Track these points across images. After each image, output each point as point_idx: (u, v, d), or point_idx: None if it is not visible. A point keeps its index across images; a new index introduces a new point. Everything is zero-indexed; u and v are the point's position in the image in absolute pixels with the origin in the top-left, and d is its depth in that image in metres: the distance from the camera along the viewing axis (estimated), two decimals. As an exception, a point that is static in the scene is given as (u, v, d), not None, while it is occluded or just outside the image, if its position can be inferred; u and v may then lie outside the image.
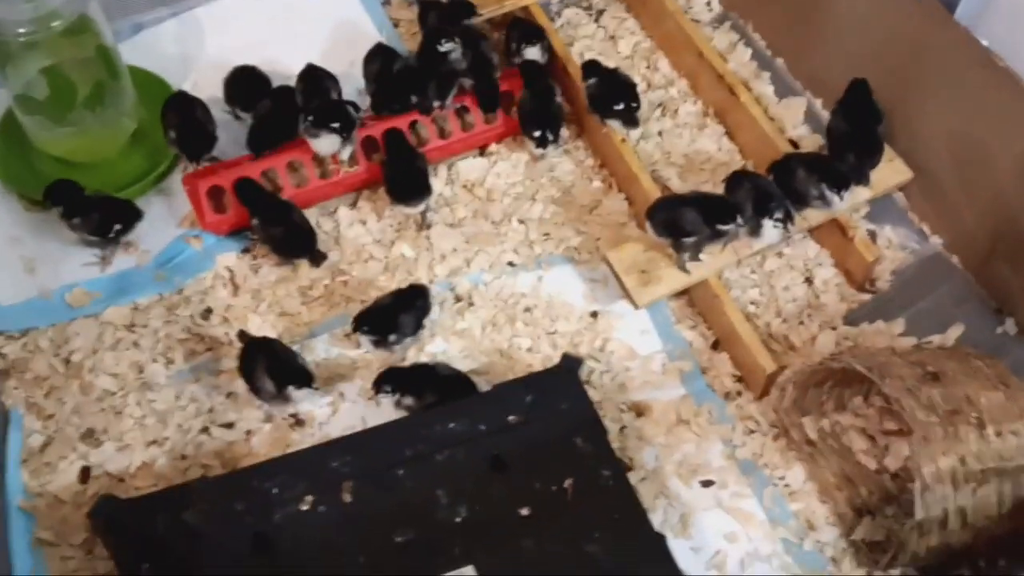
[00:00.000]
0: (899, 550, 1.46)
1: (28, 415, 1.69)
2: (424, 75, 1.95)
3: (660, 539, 1.48)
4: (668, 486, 1.62)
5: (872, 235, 1.87)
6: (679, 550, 1.51)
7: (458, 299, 1.83)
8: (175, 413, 1.70)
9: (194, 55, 2.16)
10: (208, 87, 2.03)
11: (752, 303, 1.82)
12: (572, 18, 2.24)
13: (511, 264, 1.88)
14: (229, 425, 1.69)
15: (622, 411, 1.70)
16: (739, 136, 2.02)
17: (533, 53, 2.01)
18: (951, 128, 1.80)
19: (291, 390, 1.63)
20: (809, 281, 1.85)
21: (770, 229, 1.74)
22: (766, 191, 1.76)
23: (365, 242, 1.90)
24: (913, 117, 1.85)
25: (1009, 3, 1.84)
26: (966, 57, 1.75)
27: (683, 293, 1.83)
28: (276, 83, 2.01)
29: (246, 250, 1.90)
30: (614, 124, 1.93)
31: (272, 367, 1.64)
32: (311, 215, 1.91)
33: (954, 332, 1.71)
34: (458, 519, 1.47)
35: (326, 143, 1.86)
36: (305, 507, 1.48)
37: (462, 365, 1.72)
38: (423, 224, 1.91)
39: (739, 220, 1.72)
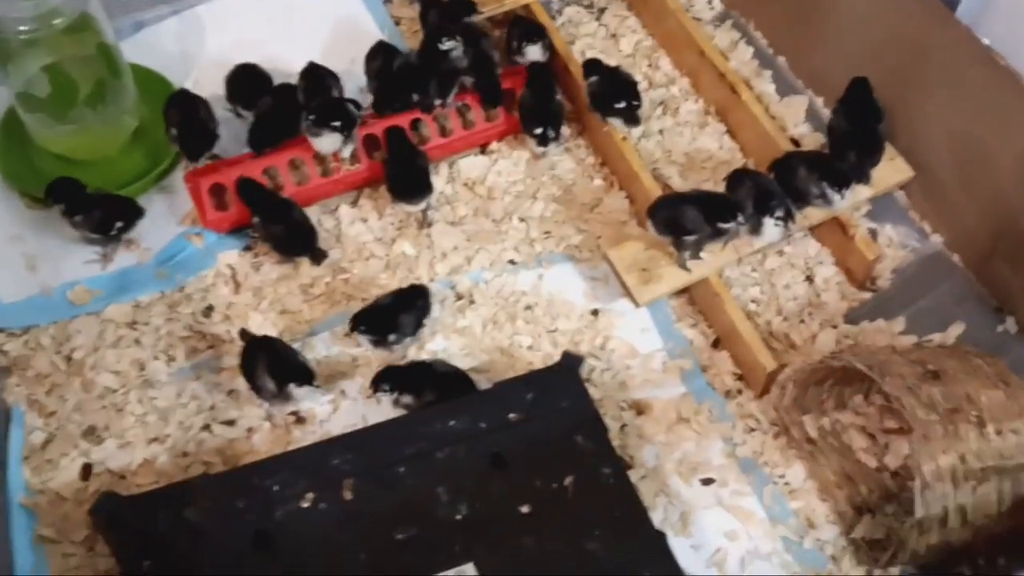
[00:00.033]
0: (899, 548, 1.46)
1: (30, 412, 1.70)
2: (425, 73, 1.95)
3: (660, 537, 1.48)
4: (668, 484, 1.62)
5: (873, 233, 1.87)
6: (679, 548, 1.51)
7: (459, 297, 1.83)
8: (176, 410, 1.70)
9: (195, 53, 2.16)
10: (209, 85, 2.03)
11: (753, 301, 1.82)
12: (573, 16, 2.24)
13: (512, 262, 1.88)
14: (230, 422, 1.69)
15: (622, 409, 1.70)
16: (740, 134, 2.02)
17: (534, 51, 2.01)
18: (952, 127, 1.80)
19: (292, 388, 1.63)
20: (810, 279, 1.85)
21: (771, 227, 1.75)
22: (767, 189, 1.76)
23: (366, 240, 1.90)
24: (914, 116, 1.85)
25: (1010, 2, 1.84)
26: (967, 56, 1.75)
27: (684, 291, 1.83)
28: (277, 81, 2.01)
29: (247, 248, 1.90)
30: (615, 122, 1.93)
31: (273, 366, 1.64)
32: (312, 213, 1.91)
33: (954, 330, 1.71)
34: (459, 517, 1.48)
35: (327, 142, 1.86)
36: (306, 504, 1.48)
37: (463, 363, 1.72)
38: (424, 222, 1.91)
39: (740, 218, 1.72)
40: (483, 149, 2.03)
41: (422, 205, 1.89)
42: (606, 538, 1.46)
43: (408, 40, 2.18)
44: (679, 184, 1.95)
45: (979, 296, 1.77)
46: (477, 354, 1.76)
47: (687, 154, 2.01)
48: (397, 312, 1.72)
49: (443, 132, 1.99)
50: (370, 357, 1.74)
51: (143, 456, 1.66)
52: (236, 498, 1.48)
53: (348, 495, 1.49)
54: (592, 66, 1.96)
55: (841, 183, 1.76)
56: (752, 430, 1.69)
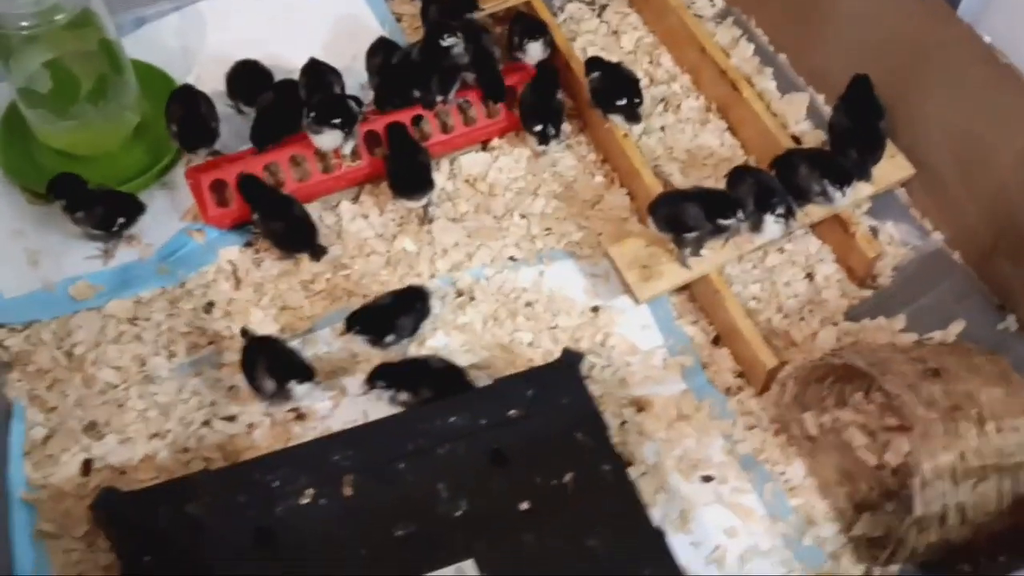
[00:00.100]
0: (898, 546, 1.46)
1: (31, 407, 1.70)
2: (427, 69, 1.95)
3: (660, 534, 1.48)
4: (668, 481, 1.62)
5: (874, 231, 1.87)
6: (679, 545, 1.52)
7: (459, 294, 1.83)
8: (177, 406, 1.70)
9: (197, 49, 2.16)
10: (211, 81, 2.03)
11: (753, 298, 1.82)
12: (575, 13, 2.23)
13: (512, 259, 1.88)
14: (231, 418, 1.69)
15: (623, 406, 1.70)
16: (741, 131, 2.02)
17: (535, 48, 2.01)
18: (953, 124, 1.80)
19: (292, 386, 1.63)
20: (810, 277, 1.85)
21: (771, 224, 1.75)
22: (768, 186, 1.76)
23: (367, 236, 1.91)
24: (915, 113, 1.85)
25: (1011, 0, 1.84)
26: (968, 54, 1.74)
27: (684, 288, 1.83)
28: (278, 77, 2.01)
29: (248, 244, 1.90)
30: (616, 119, 1.93)
31: (273, 364, 1.64)
32: (314, 209, 1.91)
33: (955, 328, 1.71)
34: (458, 513, 1.48)
35: (328, 139, 1.86)
36: (306, 500, 1.48)
37: (463, 359, 1.72)
38: (425, 218, 1.91)
39: (740, 215, 1.72)
40: (484, 146, 2.03)
41: (423, 201, 1.89)
42: (606, 535, 1.46)
43: (409, 37, 2.18)
44: (680, 181, 1.95)
45: (980, 294, 1.77)
46: (477, 351, 1.76)
47: (688, 151, 2.01)
48: (395, 314, 1.72)
49: (444, 129, 1.99)
50: (371, 353, 1.74)
51: (144, 452, 1.66)
52: (237, 494, 1.49)
53: (348, 491, 1.50)
54: (594, 62, 1.96)
55: (842, 180, 1.75)
56: (752, 427, 1.69)
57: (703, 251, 1.77)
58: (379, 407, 1.67)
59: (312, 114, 1.85)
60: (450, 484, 1.50)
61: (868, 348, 1.66)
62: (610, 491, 1.50)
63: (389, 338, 1.70)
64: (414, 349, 1.75)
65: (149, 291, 1.83)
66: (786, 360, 1.70)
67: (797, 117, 2.02)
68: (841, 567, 1.55)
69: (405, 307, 1.74)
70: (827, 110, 1.96)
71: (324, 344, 1.77)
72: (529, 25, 2.04)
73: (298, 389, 1.64)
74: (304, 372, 1.65)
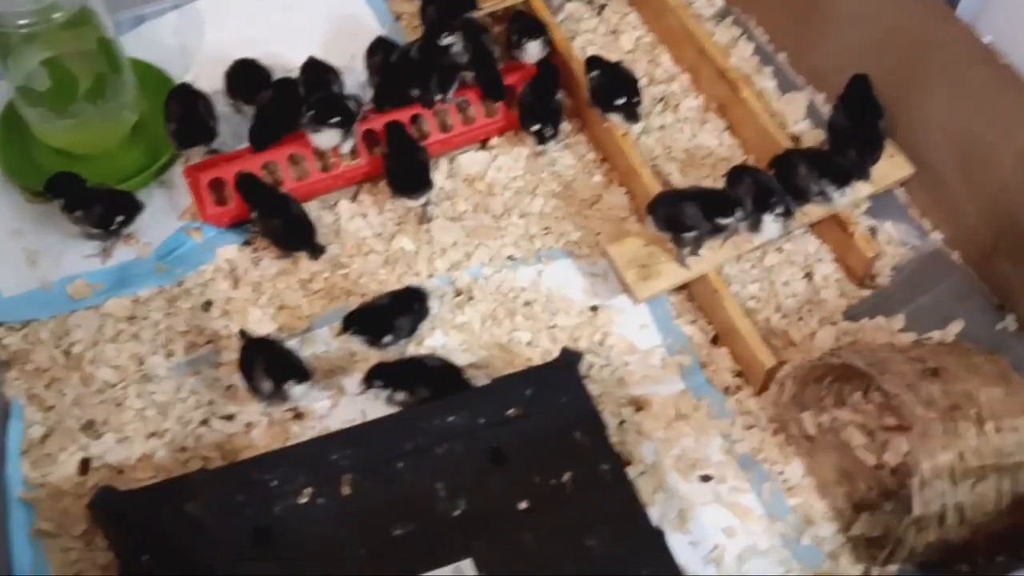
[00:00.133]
0: (897, 546, 1.46)
1: (29, 406, 1.70)
2: (426, 68, 1.95)
3: (658, 533, 1.48)
4: (667, 480, 1.62)
5: (872, 231, 1.87)
6: (677, 544, 1.52)
7: (458, 293, 1.83)
8: (175, 405, 1.70)
9: (195, 48, 2.16)
10: (209, 80, 2.03)
11: (752, 298, 1.82)
12: (574, 12, 2.23)
13: (511, 258, 1.88)
14: (229, 417, 1.69)
15: (621, 405, 1.70)
16: (740, 131, 2.02)
17: (534, 47, 2.01)
18: (952, 124, 1.79)
19: (289, 385, 1.63)
20: (809, 276, 1.85)
21: (770, 224, 1.74)
22: (767, 186, 1.76)
23: (366, 235, 1.90)
24: (914, 113, 1.85)
25: (1011, 0, 1.84)
26: (968, 53, 1.74)
27: (683, 288, 1.83)
28: (277, 76, 2.01)
29: (247, 243, 1.90)
30: (615, 118, 1.93)
31: (270, 365, 1.64)
32: (312, 208, 1.91)
33: (954, 328, 1.70)
34: (457, 512, 1.48)
35: (326, 138, 1.86)
36: (304, 500, 1.48)
37: (461, 359, 1.72)
38: (424, 217, 1.91)
39: (739, 214, 1.72)
40: (483, 145, 2.03)
41: (422, 200, 1.89)
42: (604, 534, 1.46)
43: (409, 35, 2.18)
44: (679, 180, 1.95)
45: (979, 293, 1.76)
46: (476, 350, 1.76)
47: (687, 150, 2.01)
48: (392, 314, 1.72)
49: (443, 128, 1.98)
50: (370, 353, 1.74)
51: (142, 451, 1.66)
52: (235, 493, 1.49)
53: (347, 490, 1.49)
54: (593, 61, 1.96)
55: (841, 180, 1.76)
56: (751, 427, 1.69)
57: (702, 251, 1.77)
58: (377, 406, 1.66)
59: (310, 113, 1.85)
60: (449, 483, 1.50)
61: (867, 348, 1.66)
62: (609, 490, 1.50)
63: (386, 339, 1.70)
64: (413, 349, 1.75)
65: (147, 290, 1.83)
66: (785, 360, 1.70)
67: (796, 117, 2.01)
68: (839, 567, 1.55)
69: (403, 308, 1.73)
70: (826, 110, 1.96)
71: (322, 343, 1.77)
72: (527, 24, 2.04)
73: (295, 390, 1.63)
74: (301, 373, 1.65)
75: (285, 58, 2.06)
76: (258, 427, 1.68)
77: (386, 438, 1.54)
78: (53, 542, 1.56)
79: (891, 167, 1.86)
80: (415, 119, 1.97)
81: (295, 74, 1.99)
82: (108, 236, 1.86)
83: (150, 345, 1.77)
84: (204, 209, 1.87)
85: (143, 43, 2.13)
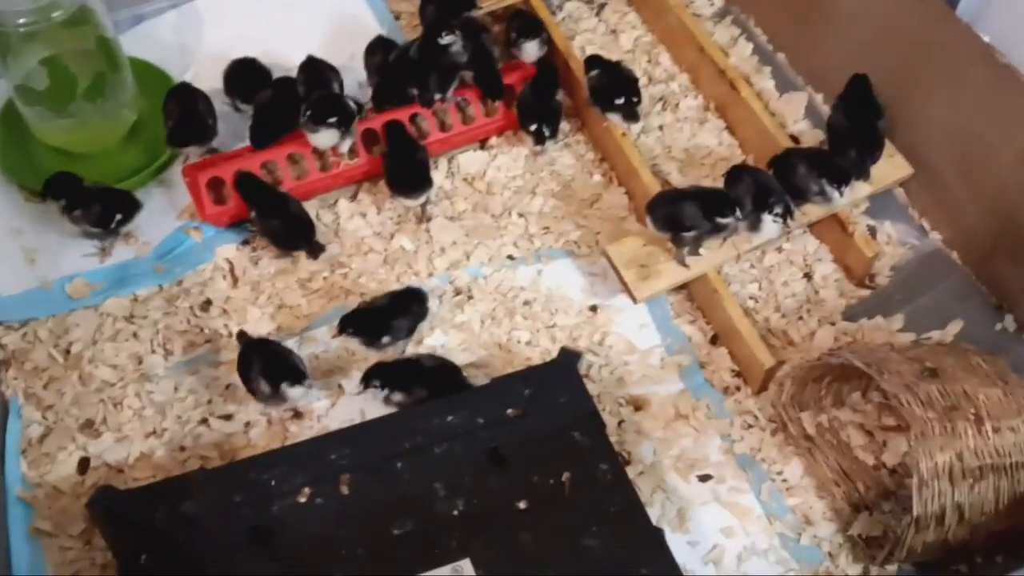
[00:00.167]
0: (896, 546, 1.46)
1: (27, 405, 1.70)
2: (425, 68, 1.95)
3: (657, 533, 1.48)
4: (666, 480, 1.62)
5: (872, 231, 1.87)
6: (676, 544, 1.51)
7: (457, 292, 1.83)
8: (174, 404, 1.70)
9: (194, 47, 2.16)
10: (208, 79, 2.03)
11: (751, 298, 1.82)
12: (573, 12, 2.23)
13: (511, 257, 1.88)
14: (228, 417, 1.69)
15: (620, 405, 1.70)
16: (740, 131, 2.02)
17: (531, 47, 2.01)
18: (952, 124, 1.79)
19: (285, 388, 1.62)
20: (808, 276, 1.85)
21: (769, 224, 1.74)
22: (766, 186, 1.76)
23: (365, 235, 1.90)
24: (914, 113, 1.85)
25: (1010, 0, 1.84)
26: (967, 53, 1.74)
27: (682, 287, 1.83)
28: (277, 75, 2.01)
29: (246, 242, 1.90)
30: (614, 118, 1.93)
31: (266, 367, 1.64)
32: (311, 207, 1.91)
33: (953, 328, 1.70)
34: (456, 512, 1.48)
35: (324, 137, 1.86)
36: (303, 499, 1.48)
37: (461, 358, 1.72)
38: (423, 217, 1.91)
39: (738, 213, 1.72)
40: (482, 144, 2.03)
41: (421, 199, 1.89)
42: (603, 534, 1.46)
43: (408, 35, 2.18)
44: (678, 180, 1.95)
45: (978, 294, 1.76)
46: (475, 349, 1.76)
47: (686, 150, 2.01)
48: (390, 315, 1.71)
49: (442, 127, 1.98)
50: (368, 353, 1.74)
51: (140, 450, 1.66)
52: (233, 492, 1.48)
53: (345, 490, 1.49)
54: (593, 61, 1.96)
55: (840, 180, 1.75)
56: (750, 427, 1.69)
57: (701, 250, 1.77)
58: (376, 406, 1.66)
59: (308, 112, 1.85)
60: (447, 483, 1.50)
61: (866, 348, 1.66)
62: (608, 490, 1.50)
63: (384, 340, 1.70)
64: (412, 348, 1.75)
65: (146, 289, 1.83)
66: (784, 360, 1.70)
67: (795, 116, 2.01)
68: (838, 567, 1.55)
69: (401, 309, 1.73)
70: (826, 109, 1.96)
71: (322, 343, 1.77)
72: (526, 23, 2.04)
73: (291, 392, 1.63)
74: (297, 375, 1.64)
75: (284, 57, 2.06)
76: (257, 426, 1.68)
77: (385, 438, 1.54)
78: (51, 541, 1.56)
79: (891, 167, 1.86)
80: (413, 118, 1.97)
81: (295, 73, 1.99)
82: (107, 235, 1.86)
83: (149, 344, 1.77)
84: (203, 208, 1.87)
85: (142, 42, 2.13)
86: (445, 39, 1.93)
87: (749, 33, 2.16)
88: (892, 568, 1.53)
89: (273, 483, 1.49)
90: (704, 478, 1.63)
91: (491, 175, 1.98)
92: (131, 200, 1.87)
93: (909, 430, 1.43)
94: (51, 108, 1.92)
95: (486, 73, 1.98)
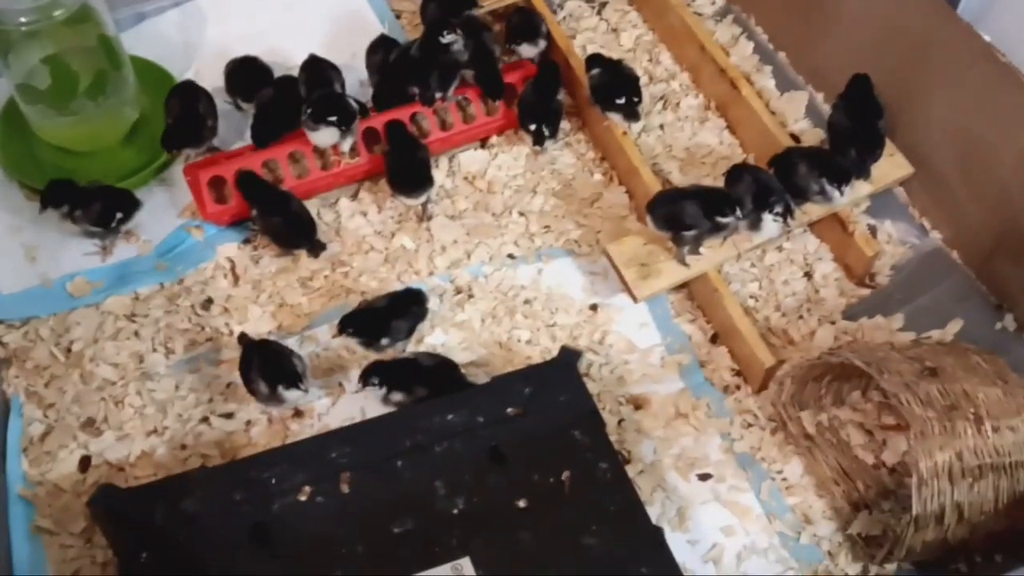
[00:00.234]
0: (895, 545, 1.46)
1: (28, 404, 1.70)
2: (426, 66, 1.95)
3: (657, 532, 1.48)
4: (666, 479, 1.62)
5: (872, 230, 1.87)
6: (676, 543, 1.51)
7: (458, 291, 1.83)
8: (175, 403, 1.70)
9: (196, 45, 2.17)
10: (210, 77, 2.03)
11: (751, 297, 1.82)
12: (574, 11, 2.23)
13: (511, 256, 1.88)
14: (228, 415, 1.69)
15: (620, 404, 1.70)
16: (740, 130, 2.02)
17: (529, 45, 2.02)
18: (953, 123, 1.79)
19: (281, 390, 1.62)
20: (808, 275, 1.85)
21: (770, 223, 1.74)
22: (766, 185, 1.76)
23: (366, 233, 1.90)
24: (915, 112, 1.85)
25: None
26: (968, 52, 1.74)
27: (683, 286, 1.83)
28: (278, 74, 2.01)
29: (247, 240, 1.90)
30: (615, 117, 1.93)
31: (265, 369, 1.64)
32: (312, 206, 1.91)
33: (953, 327, 1.70)
34: (456, 510, 1.48)
35: (324, 136, 1.86)
36: (303, 498, 1.48)
37: (461, 357, 1.72)
38: (424, 216, 1.91)
39: (739, 213, 1.72)
40: (483, 143, 2.03)
41: (422, 198, 1.89)
42: (603, 533, 1.46)
43: (409, 33, 2.18)
44: (679, 179, 1.95)
45: (978, 293, 1.76)
46: (476, 348, 1.76)
47: (687, 149, 2.01)
48: (389, 316, 1.71)
49: (443, 126, 1.98)
50: (368, 353, 1.74)
51: (141, 448, 1.66)
52: (234, 491, 1.49)
53: (345, 488, 1.49)
54: (594, 59, 1.96)
55: (841, 179, 1.75)
56: (750, 426, 1.69)
57: (701, 249, 1.77)
58: (376, 404, 1.66)
59: (309, 111, 1.85)
60: (448, 482, 1.50)
61: (866, 347, 1.67)
62: (607, 489, 1.50)
63: (384, 340, 1.70)
64: (413, 348, 1.75)
65: (147, 288, 1.83)
66: (784, 359, 1.70)
67: (796, 116, 2.01)
68: (838, 566, 1.55)
69: (400, 310, 1.73)
70: (826, 109, 1.96)
71: (322, 341, 1.77)
72: (524, 22, 2.04)
73: (287, 394, 1.62)
74: (294, 377, 1.63)
75: (286, 55, 2.06)
76: (257, 425, 1.68)
77: (385, 436, 1.54)
78: (52, 539, 1.57)
79: (891, 166, 1.86)
80: (414, 117, 1.97)
81: (296, 72, 1.99)
82: (107, 234, 1.86)
83: (150, 343, 1.77)
84: (204, 207, 1.87)
85: (144, 40, 2.13)
86: (446, 38, 1.93)
87: (750, 32, 2.16)
88: (891, 567, 1.53)
89: (274, 481, 1.49)
90: (704, 477, 1.63)
91: (492, 174, 1.98)
92: (131, 199, 1.87)
93: (909, 429, 1.43)
94: (52, 106, 1.92)
95: (487, 72, 1.98)
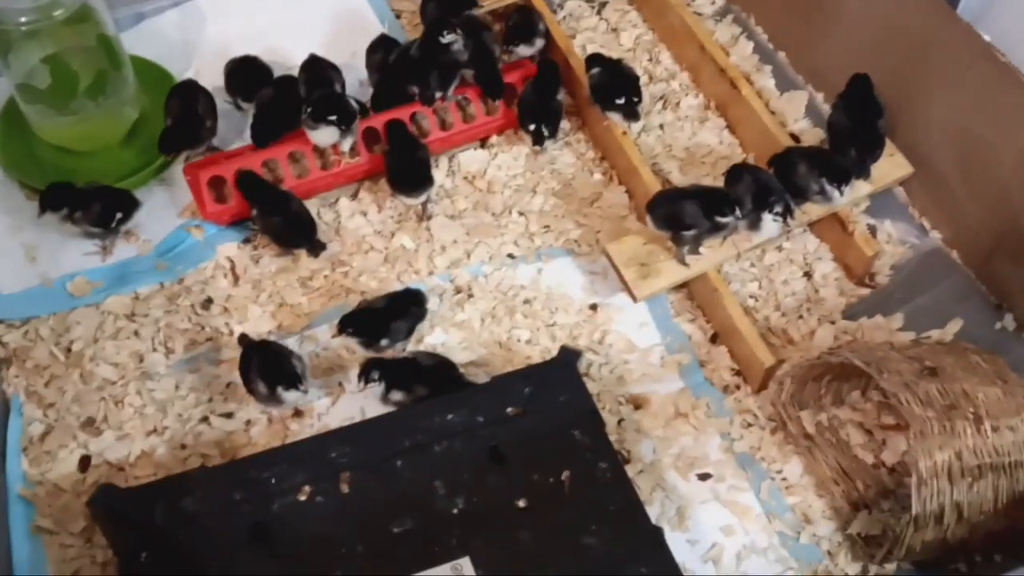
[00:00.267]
0: (895, 544, 1.46)
1: (28, 403, 1.70)
2: (426, 66, 1.95)
3: (657, 532, 1.48)
4: (665, 479, 1.62)
5: (872, 230, 1.87)
6: (676, 543, 1.51)
7: (458, 291, 1.83)
8: (175, 402, 1.70)
9: (196, 45, 2.17)
10: (210, 76, 2.03)
11: (751, 297, 1.82)
12: (574, 10, 2.23)
13: (511, 256, 1.88)
14: (228, 415, 1.69)
15: (620, 404, 1.70)
16: (740, 130, 2.02)
17: (528, 45, 2.02)
18: (952, 123, 1.79)
19: (280, 390, 1.62)
20: (808, 275, 1.85)
21: (769, 223, 1.74)
22: (766, 185, 1.76)
23: (366, 233, 1.91)
24: (915, 112, 1.85)
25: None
26: (968, 52, 1.74)
27: (682, 286, 1.83)
28: (278, 73, 2.01)
29: (247, 240, 1.90)
30: (615, 117, 1.93)
31: (263, 370, 1.64)
32: (312, 206, 1.91)
33: (952, 327, 1.70)
34: (455, 510, 1.48)
35: (324, 135, 1.86)
36: (303, 497, 1.48)
37: (461, 356, 1.72)
38: (424, 215, 1.91)
39: (738, 212, 1.72)
40: (483, 143, 2.03)
41: (422, 198, 1.89)
42: (603, 533, 1.46)
43: (409, 33, 2.18)
44: (679, 179, 1.95)
45: (978, 293, 1.76)
46: (475, 348, 1.76)
47: (687, 149, 2.01)
48: (389, 317, 1.71)
49: (443, 126, 1.99)
50: (368, 354, 1.74)
51: (141, 448, 1.66)
52: (234, 490, 1.49)
53: (345, 488, 1.50)
54: (594, 59, 1.96)
55: (841, 179, 1.76)
56: (749, 425, 1.69)
57: (701, 249, 1.77)
58: (376, 404, 1.66)
59: (308, 110, 1.85)
60: (447, 481, 1.50)
61: (865, 347, 1.67)
62: (607, 489, 1.50)
63: (383, 341, 1.70)
64: (412, 347, 1.75)
65: (147, 287, 1.83)
66: (784, 358, 1.70)
67: (796, 115, 2.01)
68: (838, 565, 1.55)
69: (400, 310, 1.73)
70: (826, 108, 1.96)
71: (322, 341, 1.77)
72: (522, 21, 2.04)
73: (286, 396, 1.62)
74: (293, 379, 1.63)
75: (286, 55, 2.06)
76: (257, 425, 1.68)
77: (385, 436, 1.54)
78: (52, 539, 1.57)
79: (891, 166, 1.86)
80: (414, 117, 1.97)
81: (296, 71, 1.99)
82: (107, 234, 1.86)
83: (150, 342, 1.77)
84: (204, 206, 1.87)
85: (144, 40, 2.13)
86: (446, 38, 1.93)
87: (750, 32, 2.16)
88: (891, 567, 1.53)
89: (273, 481, 1.49)
90: (703, 477, 1.63)
91: (492, 174, 1.98)
92: (130, 198, 1.87)
93: (908, 429, 1.43)
94: (52, 106, 1.92)
95: (487, 72, 1.98)
